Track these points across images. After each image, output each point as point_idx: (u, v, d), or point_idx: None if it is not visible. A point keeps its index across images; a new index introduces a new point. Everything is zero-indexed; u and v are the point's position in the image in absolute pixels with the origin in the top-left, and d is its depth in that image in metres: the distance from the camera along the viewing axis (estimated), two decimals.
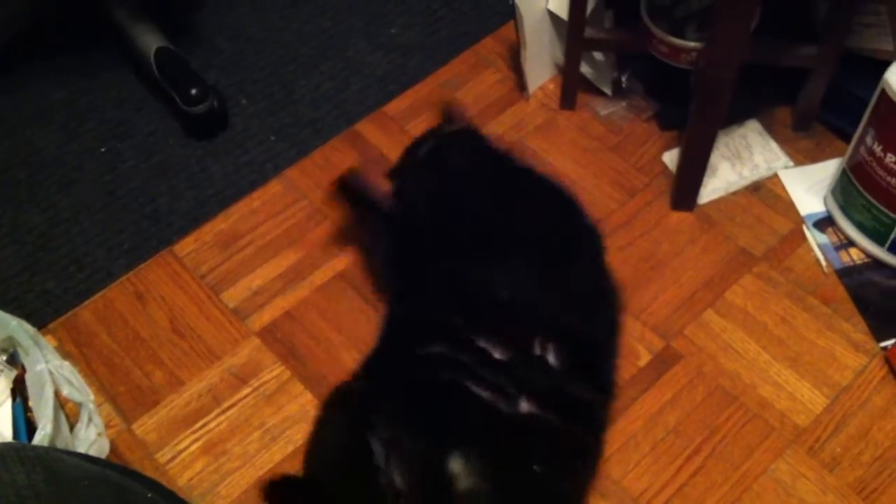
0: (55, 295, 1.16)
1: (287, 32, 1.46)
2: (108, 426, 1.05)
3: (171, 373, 1.09)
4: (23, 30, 1.42)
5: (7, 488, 0.57)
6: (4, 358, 1.02)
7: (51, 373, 0.96)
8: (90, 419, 0.97)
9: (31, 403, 0.98)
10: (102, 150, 1.32)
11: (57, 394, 0.96)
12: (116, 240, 1.22)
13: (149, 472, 1.00)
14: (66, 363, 0.99)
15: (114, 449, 1.03)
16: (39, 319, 1.13)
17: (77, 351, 1.11)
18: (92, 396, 0.99)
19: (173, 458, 1.03)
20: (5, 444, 0.62)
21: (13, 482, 0.57)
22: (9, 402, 0.99)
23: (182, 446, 1.04)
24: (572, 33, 1.23)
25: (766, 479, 0.99)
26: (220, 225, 1.23)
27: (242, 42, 1.45)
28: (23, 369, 1.00)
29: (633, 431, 1.03)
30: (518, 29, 1.28)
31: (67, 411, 1.03)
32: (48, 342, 1.01)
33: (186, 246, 1.21)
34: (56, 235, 1.22)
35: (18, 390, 0.99)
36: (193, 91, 1.27)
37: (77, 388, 0.98)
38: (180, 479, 1.01)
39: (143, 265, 1.19)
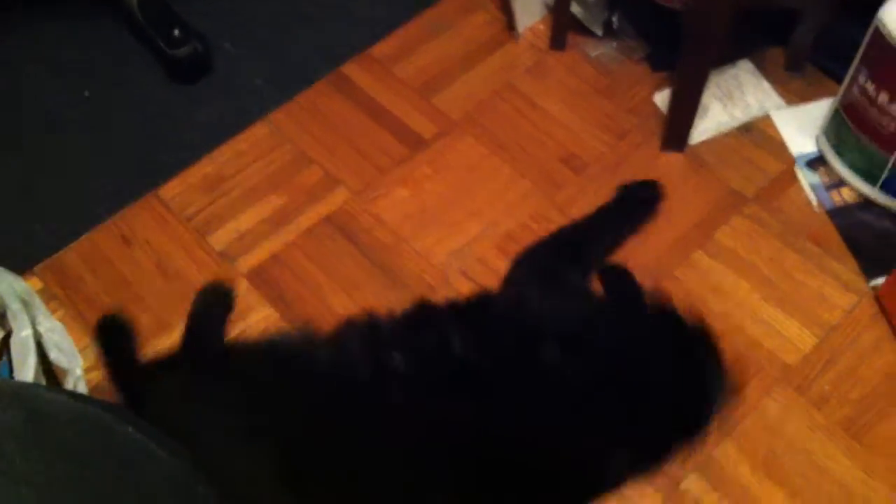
0: (40, 238, 1.15)
1: None
2: (95, 369, 1.04)
3: (158, 316, 1.08)
4: None
5: None
6: None
7: (40, 335, 0.95)
8: (75, 387, 0.95)
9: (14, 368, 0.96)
10: (86, 94, 1.30)
11: (44, 357, 0.94)
12: (101, 182, 1.20)
13: None
14: (59, 325, 0.97)
15: (101, 391, 1.02)
16: (25, 262, 1.12)
17: (63, 293, 1.10)
18: (81, 363, 0.98)
19: None
20: None
21: None
22: None
23: None
24: None
25: (754, 417, 0.99)
26: (205, 168, 1.21)
27: None
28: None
29: None
30: None
31: (56, 372, 1.01)
32: (41, 302, 0.98)
33: (171, 189, 1.19)
34: (40, 179, 1.21)
35: (6, 350, 0.97)
36: (176, 32, 1.26)
37: (66, 353, 0.96)
38: None
39: (128, 208, 1.18)
